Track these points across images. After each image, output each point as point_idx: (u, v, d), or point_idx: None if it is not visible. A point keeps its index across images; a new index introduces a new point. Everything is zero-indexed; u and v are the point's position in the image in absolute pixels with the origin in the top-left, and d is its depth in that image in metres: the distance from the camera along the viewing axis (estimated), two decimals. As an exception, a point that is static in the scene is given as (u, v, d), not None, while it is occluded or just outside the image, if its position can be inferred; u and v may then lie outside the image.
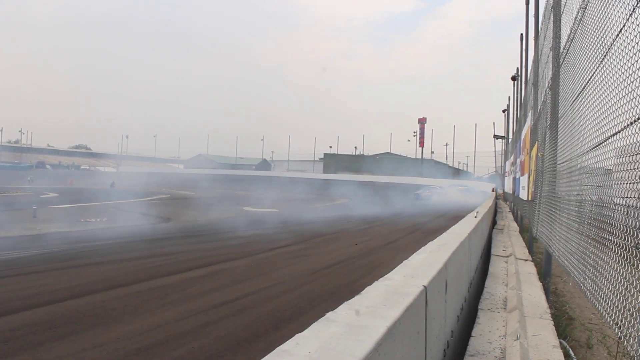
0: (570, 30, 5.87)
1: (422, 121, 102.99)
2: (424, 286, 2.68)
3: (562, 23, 7.28)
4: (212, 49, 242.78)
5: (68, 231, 21.23)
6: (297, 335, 1.74)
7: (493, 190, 35.43)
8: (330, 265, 12.23)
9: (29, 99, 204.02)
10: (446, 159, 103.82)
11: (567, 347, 4.57)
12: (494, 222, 16.22)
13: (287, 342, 1.68)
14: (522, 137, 18.03)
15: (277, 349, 1.63)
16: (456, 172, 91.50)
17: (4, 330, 6.62)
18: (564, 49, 6.67)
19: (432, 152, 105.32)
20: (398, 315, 2.07)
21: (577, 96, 5.06)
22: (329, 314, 2.03)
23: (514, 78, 31.78)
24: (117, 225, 23.97)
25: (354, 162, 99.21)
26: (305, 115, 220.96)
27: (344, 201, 47.16)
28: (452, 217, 26.95)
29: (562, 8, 7.18)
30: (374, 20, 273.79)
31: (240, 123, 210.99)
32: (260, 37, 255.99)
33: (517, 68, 29.63)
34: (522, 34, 23.41)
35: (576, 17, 5.39)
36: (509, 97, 38.52)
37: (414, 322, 2.41)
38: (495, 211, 20.21)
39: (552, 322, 4.55)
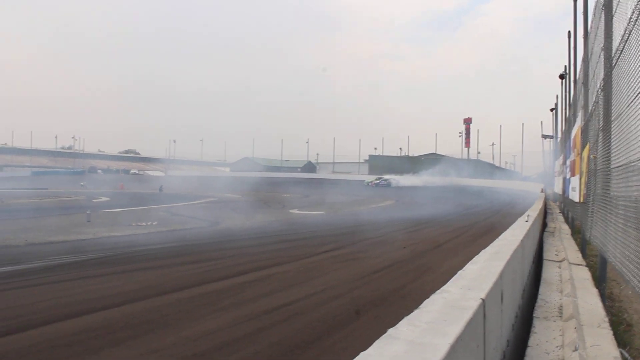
0: (625, 31, 5.72)
1: (467, 121, 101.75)
2: (482, 299, 2.68)
3: (614, 22, 7.10)
4: (255, 54, 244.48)
5: (120, 235, 21.82)
6: (362, 354, 1.77)
7: (542, 191, 34.78)
8: (379, 269, 12.22)
9: (82, 107, 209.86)
10: (492, 159, 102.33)
11: (628, 357, 4.48)
12: (544, 225, 15.92)
13: (353, 360, 1.72)
14: (572, 137, 17.61)
15: (345, 369, 1.66)
16: (497, 171, 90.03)
17: (67, 335, 6.88)
18: (617, 50, 6.50)
19: (479, 152, 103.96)
20: (459, 332, 2.08)
21: (633, 100, 4.95)
22: (391, 331, 2.06)
23: (562, 76, 31.05)
24: (167, 229, 24.50)
25: (399, 164, 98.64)
26: (349, 117, 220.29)
27: (390, 203, 46.98)
28: (501, 218, 26.56)
29: (615, 8, 6.99)
30: (417, 20, 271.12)
31: (286, 125, 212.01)
32: (303, 40, 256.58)
33: (565, 66, 28.93)
34: (569, 32, 22.78)
35: (630, 18, 5.26)
36: (557, 96, 37.69)
37: (474, 336, 2.42)
38: (545, 213, 19.83)
39: (612, 332, 4.47)
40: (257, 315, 7.82)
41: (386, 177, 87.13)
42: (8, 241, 18.83)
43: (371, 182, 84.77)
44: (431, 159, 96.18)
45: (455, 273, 3.34)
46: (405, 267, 12.75)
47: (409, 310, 2.28)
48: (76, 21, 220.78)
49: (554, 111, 42.82)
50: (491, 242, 5.23)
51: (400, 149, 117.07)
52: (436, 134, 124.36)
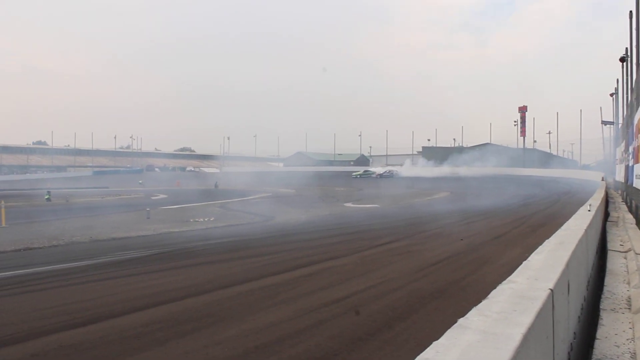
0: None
1: (522, 109, 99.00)
2: (550, 289, 2.66)
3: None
4: (307, 49, 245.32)
5: (179, 231, 22.35)
6: (435, 343, 1.79)
7: (602, 179, 33.74)
8: (436, 262, 12.14)
9: (139, 108, 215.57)
10: (549, 147, 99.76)
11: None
12: (606, 214, 15.46)
13: (427, 350, 1.73)
14: (635, 122, 16.98)
15: (419, 357, 1.67)
16: (554, 160, 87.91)
17: (135, 326, 7.13)
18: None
19: (535, 141, 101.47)
20: (530, 322, 2.08)
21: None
22: (461, 321, 2.07)
23: (622, 59, 29.95)
24: (224, 224, 24.92)
25: (452, 155, 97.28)
26: (403, 109, 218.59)
27: (445, 195, 46.47)
28: (560, 207, 25.93)
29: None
30: (469, 9, 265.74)
31: (338, 119, 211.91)
32: (354, 33, 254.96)
33: (626, 48, 27.88)
34: (631, 12, 21.93)
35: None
36: (617, 80, 36.47)
37: (544, 327, 2.40)
38: (607, 202, 19.25)
39: (685, 325, 4.32)
40: (316, 308, 7.90)
41: (370, 169, 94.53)
42: (74, 238, 19.56)
43: (359, 174, 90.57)
44: (486, 149, 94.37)
45: (515, 265, 3.32)
46: (464, 259, 12.63)
47: (469, 302, 2.29)
48: (132, 29, 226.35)
49: (614, 96, 41.50)
50: (551, 233, 5.15)
51: (454, 139, 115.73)
52: (490, 124, 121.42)
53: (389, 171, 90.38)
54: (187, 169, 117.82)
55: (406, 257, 13.10)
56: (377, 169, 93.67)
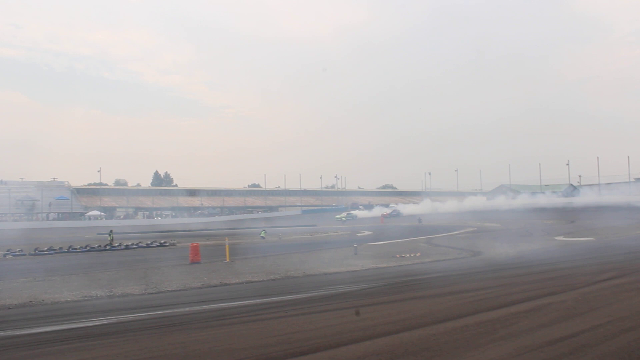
0: None
1: None
2: None
3: None
4: (504, 77, 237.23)
5: (387, 266, 22.71)
6: None
7: None
8: (674, 300, 10.87)
9: (344, 149, 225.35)
10: None
11: None
12: None
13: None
14: None
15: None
16: None
17: (352, 358, 7.33)
18: None
19: None
20: None
21: None
22: None
23: None
24: (430, 260, 24.84)
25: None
26: (615, 133, 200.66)
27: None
28: None
29: None
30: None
31: (543, 147, 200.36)
32: (555, 55, 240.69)
33: None
34: None
35: None
36: None
37: None
38: None
39: None
40: (539, 347, 7.46)
41: (353, 211, 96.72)
42: (289, 272, 20.83)
43: (342, 217, 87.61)
44: None
45: None
46: None
47: None
48: (337, 84, 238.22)
49: None
50: None
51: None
52: None
53: (395, 210, 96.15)
54: (390, 205, 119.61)
55: (636, 294, 11.88)
56: (384, 209, 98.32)
